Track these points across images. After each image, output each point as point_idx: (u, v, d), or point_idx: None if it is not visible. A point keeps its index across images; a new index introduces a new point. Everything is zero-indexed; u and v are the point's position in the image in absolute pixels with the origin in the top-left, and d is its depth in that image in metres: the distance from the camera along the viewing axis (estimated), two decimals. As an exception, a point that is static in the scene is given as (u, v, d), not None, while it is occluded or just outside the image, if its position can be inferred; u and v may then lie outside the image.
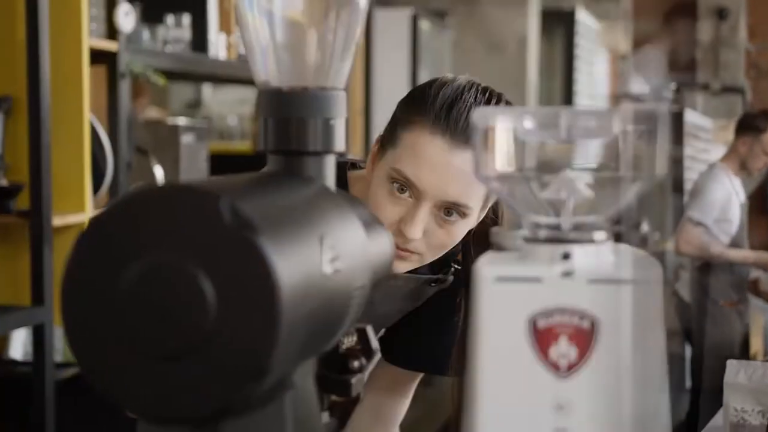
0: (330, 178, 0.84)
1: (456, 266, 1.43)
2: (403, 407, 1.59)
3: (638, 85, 5.81)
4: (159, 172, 2.93)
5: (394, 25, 4.87)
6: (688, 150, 6.93)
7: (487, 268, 0.71)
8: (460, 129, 1.24)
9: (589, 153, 0.75)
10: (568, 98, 7.48)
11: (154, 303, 0.63)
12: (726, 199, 4.28)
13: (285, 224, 0.67)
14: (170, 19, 3.04)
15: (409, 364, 1.53)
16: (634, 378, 0.69)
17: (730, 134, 8.70)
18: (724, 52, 9.46)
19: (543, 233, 0.73)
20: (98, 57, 2.66)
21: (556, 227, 0.73)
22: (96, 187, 2.63)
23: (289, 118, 0.82)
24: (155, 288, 0.63)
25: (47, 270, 2.37)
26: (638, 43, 9.97)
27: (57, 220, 2.45)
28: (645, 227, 5.93)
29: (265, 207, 0.67)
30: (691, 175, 7.47)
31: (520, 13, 5.60)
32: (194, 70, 3.17)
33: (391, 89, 4.77)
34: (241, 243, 0.62)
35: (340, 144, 0.84)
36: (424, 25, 4.94)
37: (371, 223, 0.88)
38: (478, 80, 1.32)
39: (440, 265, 1.41)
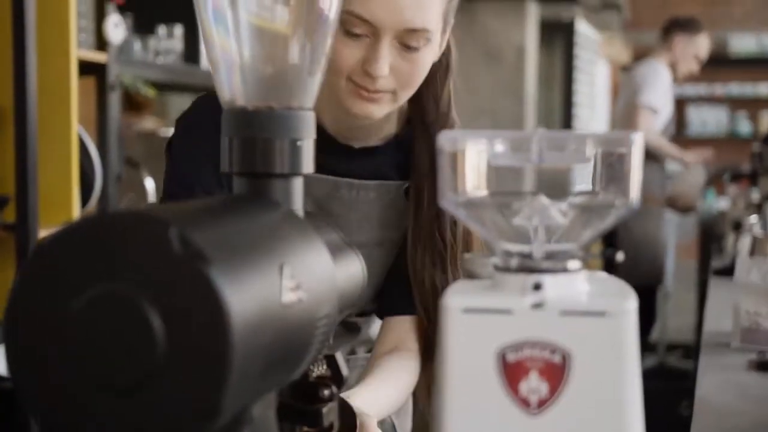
0: (297, 201, 0.81)
1: None
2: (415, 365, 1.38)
3: None
4: (150, 185, 2.90)
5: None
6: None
7: (454, 298, 0.68)
8: None
9: (563, 178, 0.72)
10: (567, 109, 7.45)
11: (100, 335, 0.60)
12: (666, 90, 4.36)
13: (241, 253, 0.64)
14: (162, 29, 3.02)
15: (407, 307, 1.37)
16: (608, 415, 0.66)
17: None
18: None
19: (514, 262, 0.70)
20: (88, 68, 2.63)
21: (528, 255, 0.70)
22: (85, 200, 2.60)
23: (254, 138, 0.79)
24: (102, 319, 0.60)
25: (33, 284, 2.34)
26: (639, 54, 9.97)
27: (44, 233, 2.42)
28: None
29: (220, 235, 0.64)
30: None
31: (519, 23, 5.58)
32: (186, 82, 3.14)
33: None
34: (190, 273, 0.59)
35: (308, 166, 0.81)
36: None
37: (340, 247, 0.85)
38: None
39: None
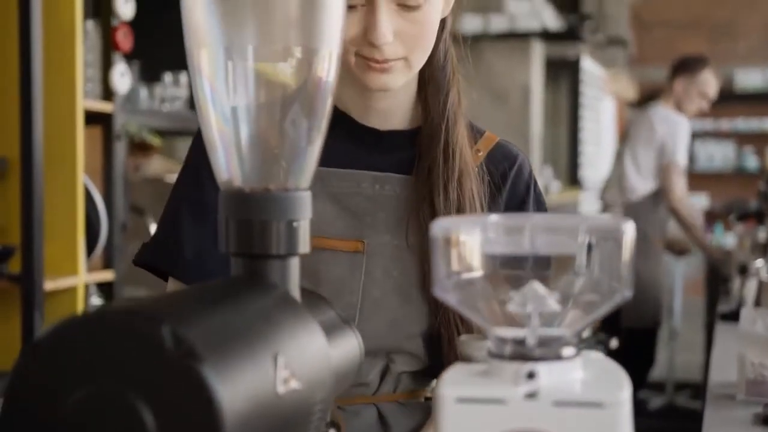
0: (293, 282, 0.81)
1: None
2: None
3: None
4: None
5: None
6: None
7: (448, 387, 0.68)
8: None
9: (557, 265, 0.72)
10: (573, 146, 7.46)
11: (94, 433, 0.60)
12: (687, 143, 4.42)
13: (234, 346, 0.64)
14: (168, 77, 3.04)
15: None
16: (602, 507, 0.65)
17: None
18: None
19: (508, 349, 0.70)
20: (94, 118, 2.65)
21: (522, 342, 0.70)
22: (90, 249, 2.61)
23: (251, 220, 0.79)
24: (95, 417, 0.60)
25: (38, 334, 2.34)
26: (645, 90, 10.00)
27: (49, 284, 2.42)
28: None
29: (213, 329, 0.64)
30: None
31: (524, 64, 5.60)
32: (192, 128, 3.16)
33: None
34: (183, 372, 0.59)
35: (304, 246, 0.82)
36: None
37: (336, 325, 0.85)
38: None
39: None
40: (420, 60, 1.19)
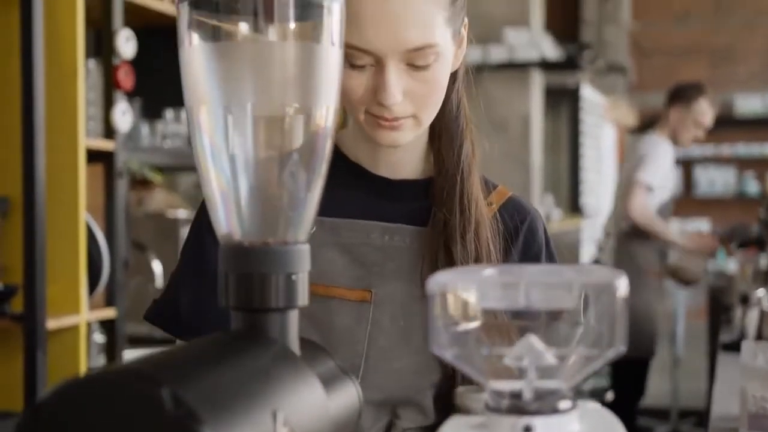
0: (293, 335, 0.82)
1: None
2: None
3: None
4: (158, 268, 2.92)
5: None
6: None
7: (445, 442, 0.69)
8: None
9: (553, 319, 0.73)
10: (574, 173, 7.48)
11: (95, 494, 0.61)
12: (667, 167, 4.34)
13: (233, 405, 0.65)
14: (169, 113, 3.06)
15: None
16: None
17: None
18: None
19: (504, 403, 0.71)
20: (96, 155, 2.67)
21: (518, 395, 0.71)
22: (92, 287, 2.62)
23: (250, 273, 0.80)
24: (96, 478, 0.61)
25: (41, 375, 2.35)
26: (645, 117, 10.03)
27: (52, 323, 2.43)
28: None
29: (212, 388, 0.65)
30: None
31: (524, 93, 5.63)
32: (192, 164, 3.16)
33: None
34: (183, 434, 0.60)
35: (303, 299, 0.82)
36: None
37: (335, 376, 0.86)
38: None
39: None
40: (429, 117, 1.19)
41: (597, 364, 0.71)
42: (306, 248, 0.83)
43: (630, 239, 4.36)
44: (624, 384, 4.50)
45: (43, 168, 2.41)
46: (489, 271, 0.74)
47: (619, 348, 0.70)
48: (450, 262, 1.20)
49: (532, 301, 0.71)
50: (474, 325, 0.72)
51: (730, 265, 7.92)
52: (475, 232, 1.23)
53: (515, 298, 0.71)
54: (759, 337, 2.80)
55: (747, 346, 1.96)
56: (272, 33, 0.81)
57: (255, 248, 0.81)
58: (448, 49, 1.17)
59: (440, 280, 0.72)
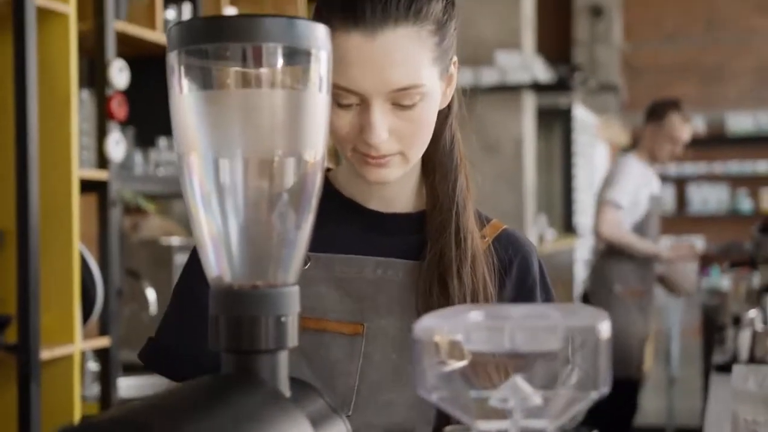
0: (283, 375, 0.83)
1: None
2: None
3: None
4: (152, 296, 2.92)
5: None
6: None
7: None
8: (373, 9, 1.12)
9: (537, 361, 0.74)
10: (567, 193, 7.51)
11: None
12: (638, 185, 4.32)
13: (224, 452, 0.66)
14: (162, 141, 3.08)
15: None
16: None
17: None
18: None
19: (491, 445, 0.72)
20: (89, 185, 2.68)
21: (505, 437, 0.72)
22: (86, 317, 2.62)
23: (240, 316, 0.82)
24: None
25: (35, 405, 2.35)
26: (637, 136, 10.08)
27: (45, 353, 2.43)
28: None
29: (204, 435, 0.66)
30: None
31: (516, 115, 5.66)
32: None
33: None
34: (174, 483, 0.61)
35: (293, 340, 0.84)
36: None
37: (325, 416, 0.87)
38: None
39: None
40: (417, 154, 1.20)
41: (582, 405, 0.72)
42: (295, 290, 0.84)
43: (606, 259, 4.37)
44: (616, 404, 4.49)
45: (37, 199, 2.42)
46: (475, 314, 0.75)
47: (602, 389, 0.71)
48: (446, 296, 1.21)
49: (517, 344, 0.72)
50: (459, 368, 0.74)
51: (724, 282, 7.94)
52: (471, 266, 1.23)
53: (501, 341, 0.72)
54: (751, 358, 2.81)
55: (738, 369, 1.97)
56: (261, 81, 0.82)
57: (245, 291, 0.82)
58: (435, 88, 1.18)
59: (426, 324, 0.73)
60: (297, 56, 0.82)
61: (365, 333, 1.23)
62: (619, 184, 4.26)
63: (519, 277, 1.29)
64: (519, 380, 0.73)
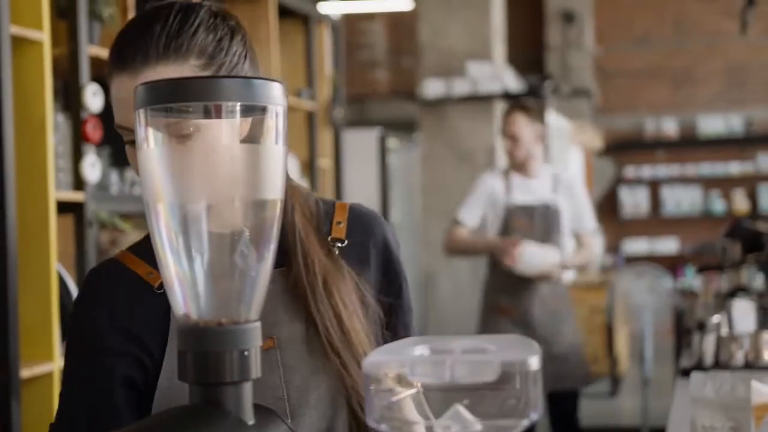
0: (247, 405, 0.90)
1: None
2: None
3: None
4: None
5: (363, 144, 5.01)
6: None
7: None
8: (134, 53, 1.19)
9: (477, 391, 0.81)
10: (542, 198, 7.59)
11: None
12: (486, 196, 4.12)
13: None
14: (137, 161, 3.13)
15: None
16: None
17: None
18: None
19: (434, 469, 0.79)
20: (66, 207, 2.74)
21: (447, 462, 0.79)
22: (65, 334, 2.68)
23: (206, 352, 0.89)
24: None
25: (15, 424, 2.41)
26: (610, 139, 10.20)
27: (25, 372, 2.49)
28: None
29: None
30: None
31: (487, 124, 5.75)
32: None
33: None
34: None
35: (256, 371, 0.91)
36: (392, 142, 5.07)
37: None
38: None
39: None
40: None
41: (519, 428, 0.80)
42: (257, 326, 0.92)
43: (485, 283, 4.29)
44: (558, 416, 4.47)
45: (15, 220, 2.48)
46: (419, 349, 0.83)
47: (533, 416, 0.79)
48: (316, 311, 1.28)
49: (458, 377, 0.80)
50: (405, 399, 0.81)
51: (697, 282, 8.06)
52: (325, 288, 1.29)
53: (442, 373, 0.80)
54: (716, 363, 2.88)
55: (696, 376, 2.03)
56: (221, 135, 0.90)
57: (210, 328, 0.89)
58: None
59: (374, 359, 0.80)
60: (254, 112, 0.89)
61: (278, 345, 1.28)
62: (466, 201, 4.12)
63: (382, 258, 1.37)
64: (460, 409, 0.80)
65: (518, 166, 4.15)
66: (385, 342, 1.30)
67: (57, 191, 2.65)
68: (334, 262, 1.32)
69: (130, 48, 1.20)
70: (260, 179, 0.91)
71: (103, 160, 2.94)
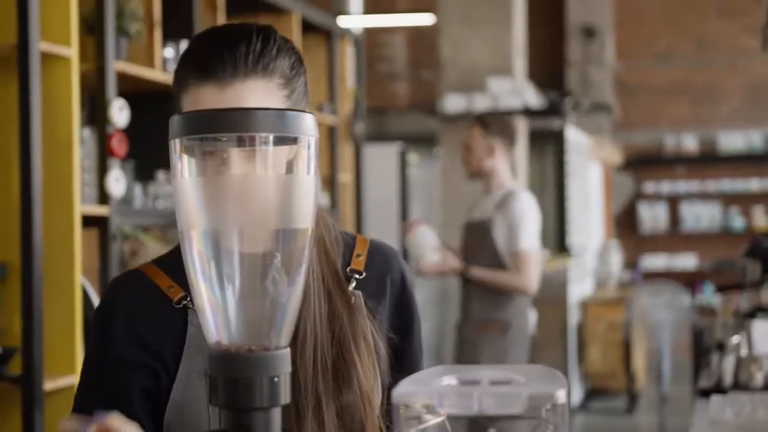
0: (276, 430, 0.92)
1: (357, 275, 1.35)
2: None
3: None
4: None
5: (383, 158, 5.03)
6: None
7: None
8: (223, 66, 1.21)
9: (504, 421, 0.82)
10: (560, 213, 7.59)
11: None
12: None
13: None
14: (161, 175, 3.16)
15: None
16: None
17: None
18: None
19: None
20: (90, 220, 2.77)
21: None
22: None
23: (237, 378, 0.90)
24: None
25: (38, 436, 2.44)
26: (629, 155, 10.18)
27: (49, 384, 2.52)
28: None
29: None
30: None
31: (508, 139, 5.75)
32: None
33: (382, 220, 4.92)
34: None
35: (285, 397, 0.92)
36: (413, 158, 5.08)
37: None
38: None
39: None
40: None
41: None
42: (287, 352, 0.93)
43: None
44: None
45: (41, 234, 2.51)
46: (447, 379, 0.84)
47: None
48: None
49: (485, 408, 0.81)
50: (432, 424, 0.82)
51: (715, 300, 8.02)
52: (345, 322, 1.29)
53: (470, 405, 0.81)
54: (735, 383, 2.88)
55: (716, 400, 2.04)
56: (255, 165, 0.91)
57: (241, 354, 0.91)
58: None
59: (403, 389, 0.82)
60: (287, 143, 0.91)
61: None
62: None
63: (397, 292, 1.38)
64: (489, 436, 0.82)
65: (474, 177, 4.19)
66: (390, 385, 1.29)
67: (82, 205, 2.68)
68: (346, 301, 1.31)
69: (218, 60, 1.21)
70: (292, 209, 0.92)
71: (127, 174, 2.97)
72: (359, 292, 1.32)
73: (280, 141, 0.91)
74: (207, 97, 1.21)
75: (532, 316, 4.19)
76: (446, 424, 0.82)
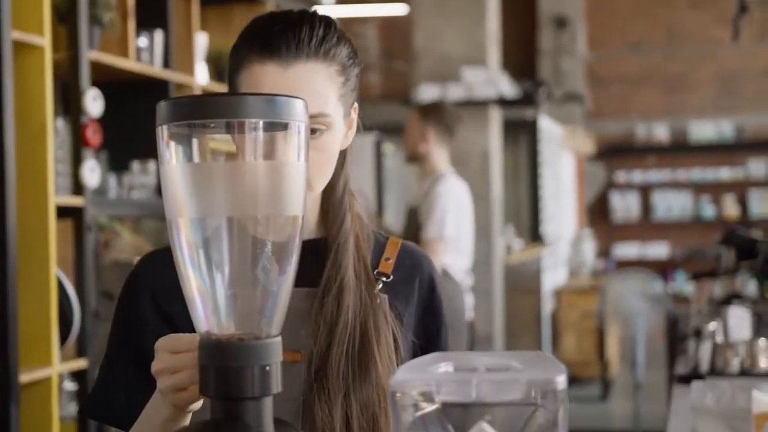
0: (267, 420, 0.90)
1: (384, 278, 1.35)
2: None
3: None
4: (126, 317, 2.97)
5: (358, 149, 5.01)
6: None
7: None
8: (287, 45, 1.22)
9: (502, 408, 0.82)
10: (534, 203, 7.62)
11: None
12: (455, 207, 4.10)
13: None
14: (136, 165, 3.13)
15: None
16: None
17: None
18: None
19: (458, 486, 0.79)
20: (65, 211, 2.73)
21: (471, 478, 0.79)
22: (64, 339, 2.68)
23: (228, 367, 0.89)
24: None
25: (14, 428, 2.40)
26: (602, 144, 10.23)
27: (24, 377, 2.49)
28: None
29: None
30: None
31: (482, 129, 5.75)
32: (159, 214, 3.24)
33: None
34: None
35: (276, 386, 0.91)
36: (388, 148, 5.07)
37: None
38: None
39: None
40: (320, 184, 1.27)
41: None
42: (278, 341, 0.92)
43: None
44: None
45: (15, 225, 2.47)
46: (444, 366, 0.83)
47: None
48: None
49: (483, 395, 0.80)
50: (431, 415, 0.81)
51: (688, 287, 8.07)
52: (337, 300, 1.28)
53: (468, 392, 0.80)
54: (712, 370, 2.89)
55: (696, 386, 2.04)
56: (244, 152, 0.90)
57: (232, 343, 0.90)
58: (340, 125, 1.27)
59: (401, 377, 0.81)
60: (276, 129, 0.90)
61: (304, 359, 1.26)
62: None
63: (424, 296, 1.38)
64: (485, 425, 0.81)
65: (410, 161, 4.26)
66: None
67: (56, 196, 2.64)
68: (371, 298, 1.30)
69: (283, 39, 1.22)
70: (282, 194, 0.91)
71: (102, 164, 2.93)
72: (385, 296, 1.31)
73: (269, 127, 0.89)
74: (269, 75, 1.22)
75: (468, 300, 4.18)
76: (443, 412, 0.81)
